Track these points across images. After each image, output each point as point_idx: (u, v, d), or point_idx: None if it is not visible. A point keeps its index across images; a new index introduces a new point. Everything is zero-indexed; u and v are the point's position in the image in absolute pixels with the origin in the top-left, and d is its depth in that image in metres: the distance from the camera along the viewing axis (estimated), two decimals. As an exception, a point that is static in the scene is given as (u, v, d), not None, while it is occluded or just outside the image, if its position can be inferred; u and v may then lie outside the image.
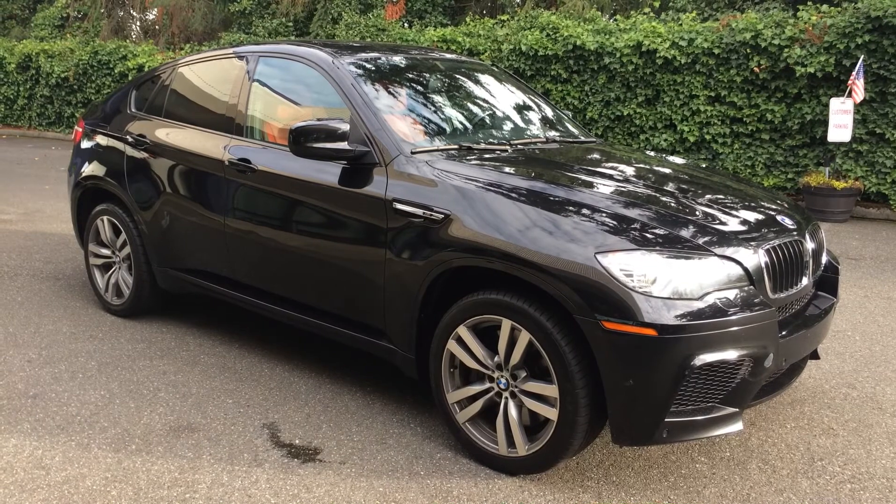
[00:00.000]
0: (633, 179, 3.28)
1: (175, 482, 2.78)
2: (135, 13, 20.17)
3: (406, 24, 14.11)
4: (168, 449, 3.02)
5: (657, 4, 12.74)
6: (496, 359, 2.84)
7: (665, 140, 9.68)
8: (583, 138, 4.11)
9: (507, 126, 3.98)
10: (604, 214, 2.74)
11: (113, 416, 3.31)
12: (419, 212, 2.99)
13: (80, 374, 3.75)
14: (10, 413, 3.31)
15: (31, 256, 6.01)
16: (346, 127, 3.19)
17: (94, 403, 3.42)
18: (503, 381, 2.83)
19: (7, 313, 4.63)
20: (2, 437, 3.10)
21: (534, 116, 4.20)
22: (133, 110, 4.62)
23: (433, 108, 3.79)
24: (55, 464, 2.90)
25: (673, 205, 2.93)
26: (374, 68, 3.77)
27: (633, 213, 2.77)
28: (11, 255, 6.04)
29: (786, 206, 3.28)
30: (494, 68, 4.56)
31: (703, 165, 4.00)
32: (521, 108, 4.19)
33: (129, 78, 14.47)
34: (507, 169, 3.13)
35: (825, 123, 8.53)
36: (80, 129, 4.96)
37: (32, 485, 2.75)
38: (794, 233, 2.96)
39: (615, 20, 10.90)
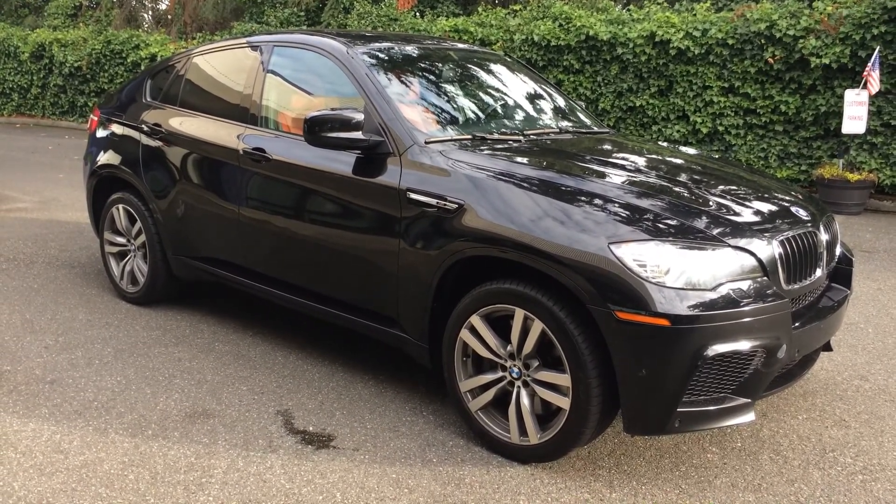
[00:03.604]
0: (646, 170, 3.28)
1: (191, 467, 2.82)
2: (147, 2, 20.22)
3: (418, 14, 14.09)
4: (184, 434, 3.06)
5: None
6: (509, 348, 2.85)
7: (678, 131, 9.64)
8: (595, 129, 4.11)
9: (520, 116, 3.98)
10: (617, 205, 2.74)
11: (129, 401, 3.35)
12: (433, 201, 3.00)
13: (96, 360, 3.80)
14: (28, 398, 3.36)
15: (46, 244, 6.07)
16: (360, 117, 3.20)
17: (111, 389, 3.47)
18: (516, 370, 2.85)
19: (24, 300, 4.69)
20: (21, 421, 3.15)
21: (546, 107, 4.19)
22: (148, 99, 4.65)
23: (446, 98, 3.80)
24: (73, 448, 2.94)
25: (686, 195, 2.93)
26: (387, 58, 3.78)
27: (646, 203, 2.77)
28: (27, 242, 6.10)
29: (800, 197, 3.27)
30: (507, 58, 4.56)
31: (716, 156, 3.99)
32: (534, 99, 4.19)
33: (142, 67, 14.52)
34: (520, 159, 3.14)
35: (839, 115, 8.46)
36: (96, 118, 5.00)
37: (51, 468, 2.80)
38: (809, 224, 2.95)
39: (628, 10, 10.84)
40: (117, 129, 4.73)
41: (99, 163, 4.78)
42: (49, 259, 5.64)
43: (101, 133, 4.89)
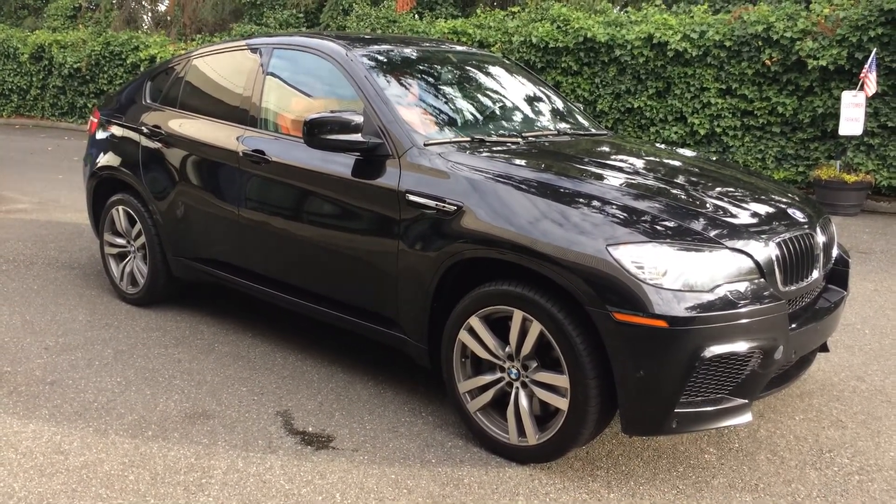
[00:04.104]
0: (644, 172, 3.30)
1: (191, 468, 2.83)
2: (146, 4, 20.23)
3: (417, 16, 14.11)
4: (184, 435, 3.07)
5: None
6: (507, 349, 2.87)
7: (675, 133, 9.66)
8: (594, 131, 4.13)
9: (519, 118, 4.00)
10: (615, 206, 2.76)
11: (129, 402, 3.36)
12: (432, 203, 3.02)
13: (96, 361, 3.81)
14: (28, 399, 3.37)
15: (46, 245, 6.07)
16: (359, 119, 3.22)
17: (111, 390, 3.48)
18: (514, 371, 2.87)
19: (24, 301, 4.70)
20: (21, 422, 3.16)
21: (545, 109, 4.21)
22: (148, 101, 4.67)
23: (445, 101, 3.81)
24: (74, 449, 2.95)
25: (684, 197, 2.94)
26: (386, 60, 3.80)
27: (644, 205, 2.79)
28: (27, 243, 6.11)
29: (797, 199, 3.29)
30: (505, 60, 4.58)
31: (714, 158, 4.01)
32: (532, 101, 4.21)
33: (141, 69, 14.54)
34: (518, 161, 3.15)
35: (837, 117, 8.49)
36: (96, 120, 5.02)
37: (52, 469, 2.81)
38: (805, 226, 2.97)
39: (626, 12, 10.86)
40: (117, 130, 4.75)
41: (98, 164, 4.79)
42: (49, 260, 5.65)
43: (100, 135, 4.90)
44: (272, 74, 3.95)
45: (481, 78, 4.14)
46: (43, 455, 2.90)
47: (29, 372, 3.66)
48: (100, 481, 2.73)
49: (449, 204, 2.97)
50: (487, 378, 2.95)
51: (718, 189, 3.13)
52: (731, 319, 2.54)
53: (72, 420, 3.19)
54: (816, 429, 3.22)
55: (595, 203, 2.78)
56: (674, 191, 3.01)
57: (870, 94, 8.09)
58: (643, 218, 2.70)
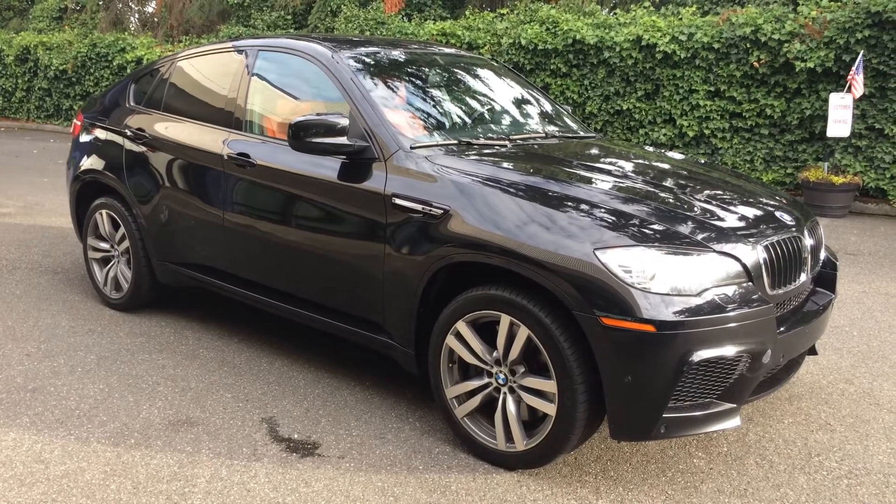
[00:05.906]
0: (632, 175, 3.28)
1: (174, 476, 2.79)
2: (133, 5, 20.13)
3: (405, 18, 14.08)
4: (167, 443, 3.03)
5: (657, -2, 12.71)
6: (495, 354, 2.84)
7: (664, 135, 9.68)
8: (582, 133, 4.11)
9: (507, 121, 3.98)
10: (603, 210, 2.74)
11: (112, 410, 3.31)
12: (419, 207, 2.99)
13: (78, 367, 3.75)
14: (9, 407, 3.31)
15: (29, 250, 6.01)
16: (345, 122, 3.19)
17: (93, 397, 3.43)
18: (502, 376, 2.84)
19: (5, 307, 4.63)
20: (1, 430, 3.10)
21: (533, 111, 4.19)
22: (132, 104, 4.62)
23: (432, 103, 3.79)
24: (54, 458, 2.90)
25: (672, 201, 2.93)
26: (373, 63, 3.77)
27: (631, 208, 2.77)
28: (10, 248, 6.03)
29: (784, 202, 3.28)
30: (494, 63, 4.56)
31: (702, 161, 4.00)
32: (520, 103, 4.19)
33: (128, 70, 14.45)
34: (506, 164, 3.13)
35: (824, 118, 8.53)
36: (79, 123, 4.96)
37: (32, 479, 2.76)
38: (793, 229, 2.96)
39: (615, 14, 10.88)
40: (100, 133, 4.69)
41: (82, 168, 4.74)
42: (32, 265, 5.58)
43: (84, 138, 4.85)
44: (258, 76, 3.91)
45: (469, 80, 4.12)
46: (23, 464, 2.85)
47: (10, 379, 3.60)
48: (80, 491, 2.69)
49: (436, 207, 2.94)
50: (475, 383, 2.93)
51: (706, 192, 3.11)
52: (719, 323, 2.52)
53: (53, 428, 3.14)
54: (805, 432, 3.21)
55: (583, 206, 2.76)
56: (662, 194, 3.00)
57: (857, 96, 8.14)
58: (631, 221, 2.68)
